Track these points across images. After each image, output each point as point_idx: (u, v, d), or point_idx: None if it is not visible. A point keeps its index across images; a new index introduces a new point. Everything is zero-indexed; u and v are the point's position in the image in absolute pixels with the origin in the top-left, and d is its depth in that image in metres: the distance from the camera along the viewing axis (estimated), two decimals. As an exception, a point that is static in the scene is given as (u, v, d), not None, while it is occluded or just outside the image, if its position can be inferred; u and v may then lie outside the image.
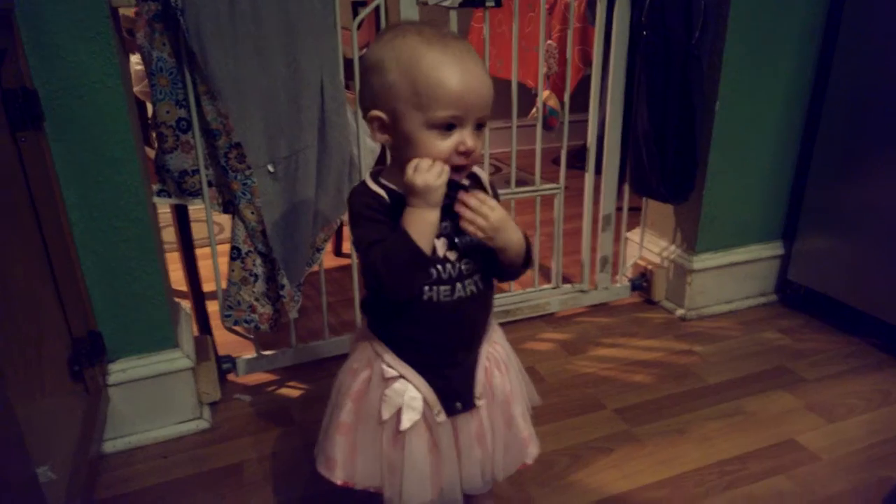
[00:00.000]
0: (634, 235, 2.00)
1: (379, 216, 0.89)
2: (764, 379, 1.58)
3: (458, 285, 0.93)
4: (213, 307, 1.59)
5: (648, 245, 1.97)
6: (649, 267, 1.93)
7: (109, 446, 1.35)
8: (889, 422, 1.42)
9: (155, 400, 1.37)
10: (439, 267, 0.91)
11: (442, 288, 0.92)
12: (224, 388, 1.52)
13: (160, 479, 1.28)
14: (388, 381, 0.94)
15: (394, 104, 0.85)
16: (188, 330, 1.49)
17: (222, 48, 1.22)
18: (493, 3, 1.48)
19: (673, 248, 1.90)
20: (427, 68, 0.83)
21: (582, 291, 1.91)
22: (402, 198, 0.88)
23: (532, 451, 1.06)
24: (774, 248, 1.92)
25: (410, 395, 0.94)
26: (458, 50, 0.84)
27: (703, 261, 1.83)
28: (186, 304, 1.62)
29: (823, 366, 1.63)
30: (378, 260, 0.85)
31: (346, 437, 0.96)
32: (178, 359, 1.38)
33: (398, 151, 0.89)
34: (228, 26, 1.21)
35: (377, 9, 1.44)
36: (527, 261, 0.97)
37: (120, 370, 1.33)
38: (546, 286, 1.90)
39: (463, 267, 0.93)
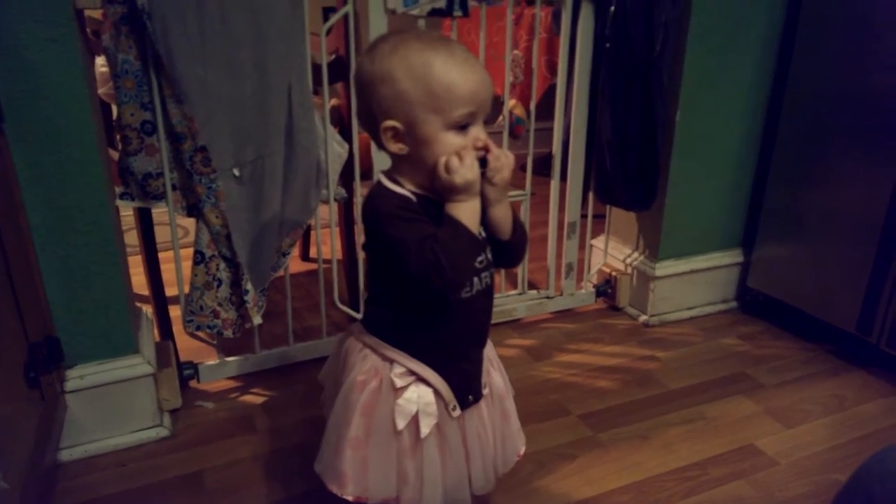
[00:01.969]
0: (599, 242, 2.03)
1: (415, 215, 0.90)
2: (724, 385, 1.61)
3: (476, 279, 0.96)
4: (175, 312, 1.56)
5: (613, 252, 2.00)
6: (613, 274, 1.96)
7: (66, 454, 1.32)
8: (844, 426, 1.46)
9: (114, 407, 1.35)
10: None
11: None
12: (185, 394, 1.49)
13: (119, 488, 1.26)
14: (398, 390, 0.94)
15: (409, 111, 0.87)
16: (149, 335, 1.47)
17: (189, 52, 1.21)
18: (460, 13, 1.49)
19: (636, 255, 1.93)
20: (440, 71, 0.85)
21: (547, 297, 1.93)
22: (426, 200, 0.91)
23: (522, 441, 1.12)
24: (734, 256, 1.96)
25: (425, 400, 0.95)
26: (461, 51, 0.88)
27: (665, 268, 1.86)
28: (148, 309, 1.59)
29: (782, 372, 1.66)
30: (439, 253, 0.85)
31: (356, 451, 0.95)
32: (139, 365, 1.35)
33: (416, 157, 0.90)
34: (195, 30, 1.20)
35: (346, 15, 1.44)
36: (522, 237, 1.01)
37: (78, 376, 1.30)
38: (512, 292, 1.91)
39: (478, 262, 0.96)
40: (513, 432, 1.10)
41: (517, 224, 1.00)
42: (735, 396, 1.56)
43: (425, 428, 0.94)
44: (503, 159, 0.91)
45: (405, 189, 0.92)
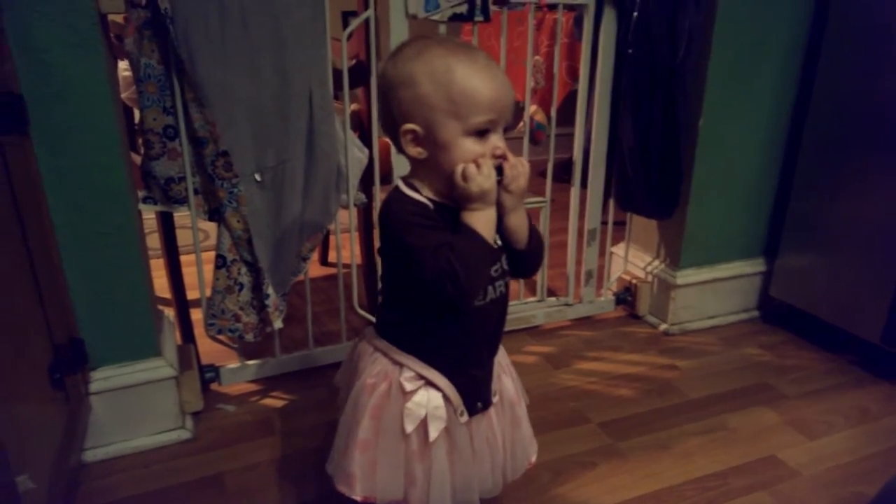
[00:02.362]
0: (619, 250, 2.01)
1: (432, 223, 0.90)
2: (745, 395, 1.59)
3: (490, 288, 0.96)
4: (196, 315, 1.57)
5: (633, 259, 1.99)
6: (634, 281, 1.95)
7: (90, 455, 1.33)
8: (867, 439, 1.43)
9: (137, 409, 1.36)
10: None
11: None
12: (207, 397, 1.50)
13: (141, 490, 1.27)
14: (408, 394, 0.95)
15: (429, 115, 0.87)
16: (171, 338, 1.48)
17: (211, 56, 1.22)
18: (481, 18, 1.49)
19: (657, 263, 1.92)
20: (461, 78, 0.86)
21: (567, 305, 1.92)
22: (442, 207, 0.92)
23: (534, 449, 1.12)
24: (757, 265, 1.94)
25: (434, 404, 0.95)
26: (484, 58, 0.89)
27: (686, 276, 1.85)
28: (170, 312, 1.60)
29: (804, 382, 1.64)
30: (454, 262, 0.85)
31: (365, 453, 0.96)
32: (161, 367, 1.36)
33: (434, 162, 0.90)
34: (217, 35, 1.21)
35: (367, 20, 1.44)
36: (538, 246, 1.01)
37: (102, 378, 1.32)
38: (531, 299, 1.91)
39: (493, 271, 0.96)
40: (524, 438, 1.09)
41: (533, 233, 1.00)
42: (756, 407, 1.54)
43: (434, 432, 0.95)
44: (519, 168, 0.92)
45: (422, 196, 0.92)
